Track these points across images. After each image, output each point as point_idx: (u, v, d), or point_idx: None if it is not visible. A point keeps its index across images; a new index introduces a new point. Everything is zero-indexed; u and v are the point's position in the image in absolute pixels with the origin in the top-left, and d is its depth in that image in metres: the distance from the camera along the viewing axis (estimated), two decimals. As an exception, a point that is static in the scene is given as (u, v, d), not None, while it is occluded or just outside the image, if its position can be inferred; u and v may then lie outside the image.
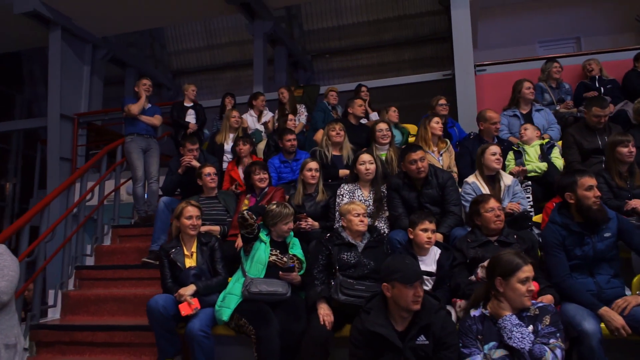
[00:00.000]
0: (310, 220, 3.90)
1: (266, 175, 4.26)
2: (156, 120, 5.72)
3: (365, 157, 4.00)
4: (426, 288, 3.09)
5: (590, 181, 2.88)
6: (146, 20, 8.24)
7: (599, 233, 2.87)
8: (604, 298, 2.79)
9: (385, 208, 3.92)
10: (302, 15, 10.18)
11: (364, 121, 6.10)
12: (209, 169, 4.40)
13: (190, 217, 3.44)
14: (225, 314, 3.09)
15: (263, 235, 3.35)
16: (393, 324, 2.37)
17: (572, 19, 8.47)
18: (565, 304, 2.79)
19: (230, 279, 3.39)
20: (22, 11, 7.40)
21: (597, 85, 5.78)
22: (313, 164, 4.17)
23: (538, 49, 8.66)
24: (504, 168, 4.44)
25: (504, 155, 4.52)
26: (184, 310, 3.07)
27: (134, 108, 5.48)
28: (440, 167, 4.48)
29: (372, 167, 3.97)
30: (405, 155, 3.75)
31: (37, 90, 11.16)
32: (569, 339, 2.62)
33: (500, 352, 2.19)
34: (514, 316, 2.25)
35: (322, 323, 2.88)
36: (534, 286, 2.30)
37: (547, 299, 2.76)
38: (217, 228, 4.11)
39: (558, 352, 2.12)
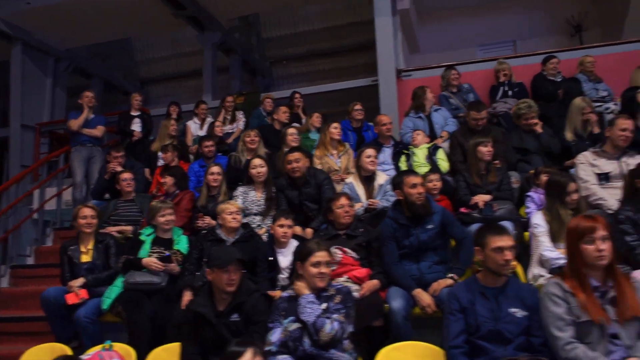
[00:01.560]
0: (207, 219, 4.33)
1: (172, 180, 4.69)
2: (97, 131, 6.19)
3: (256, 161, 4.42)
4: (283, 276, 3.54)
5: (414, 180, 3.30)
6: (101, 34, 8.70)
7: (422, 225, 3.29)
8: (425, 282, 3.20)
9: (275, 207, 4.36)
10: (260, 23, 10.62)
11: (295, 126, 6.54)
12: (126, 175, 4.84)
13: (84, 217, 3.89)
14: (106, 303, 3.55)
15: (144, 236, 3.81)
16: (216, 304, 2.80)
17: (508, 24, 8.84)
18: (390, 288, 3.21)
19: (123, 273, 3.83)
20: (-18, 29, 7.90)
21: (506, 88, 6.15)
22: (215, 169, 4.61)
23: (478, 52, 9.04)
24: (397, 168, 4.88)
25: (399, 156, 4.99)
26: (70, 299, 3.52)
27: (74, 124, 5.98)
28: (338, 169, 4.92)
29: (263, 170, 4.39)
30: (285, 158, 4.19)
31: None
32: (383, 316, 3.06)
33: (295, 325, 2.60)
34: (311, 295, 2.65)
35: (183, 308, 3.32)
36: (325, 269, 2.68)
37: (372, 283, 3.20)
38: (129, 228, 4.56)
39: (336, 324, 2.53)
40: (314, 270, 2.65)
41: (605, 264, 2.34)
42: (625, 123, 3.82)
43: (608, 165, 3.77)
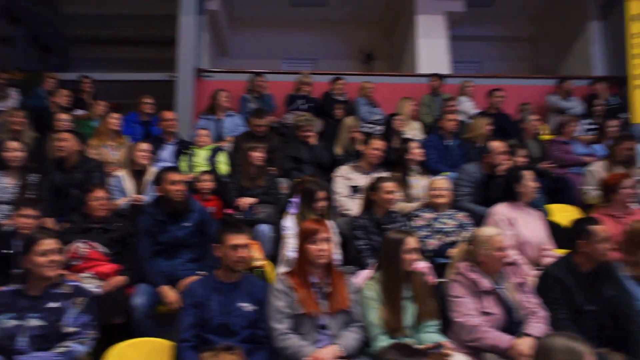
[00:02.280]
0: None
1: None
2: None
3: (12, 144, 4.01)
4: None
5: (175, 177, 3.33)
6: None
7: (179, 222, 3.31)
8: (177, 278, 3.20)
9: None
10: (59, -4, 9.60)
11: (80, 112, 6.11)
12: None
13: None
14: None
15: None
16: None
17: (311, 43, 9.51)
18: (141, 284, 3.15)
19: None
20: None
21: (302, 102, 6.55)
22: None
23: (282, 65, 9.51)
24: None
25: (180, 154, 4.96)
26: None
27: None
28: (113, 161, 4.69)
29: (19, 154, 3.98)
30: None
31: None
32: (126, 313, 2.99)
33: (12, 322, 2.39)
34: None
35: None
36: (56, 257, 2.51)
37: (117, 279, 3.12)
38: None
39: (89, 342, 2.45)
40: (41, 259, 2.46)
41: (324, 262, 2.64)
42: (377, 144, 4.40)
43: (360, 179, 4.27)
